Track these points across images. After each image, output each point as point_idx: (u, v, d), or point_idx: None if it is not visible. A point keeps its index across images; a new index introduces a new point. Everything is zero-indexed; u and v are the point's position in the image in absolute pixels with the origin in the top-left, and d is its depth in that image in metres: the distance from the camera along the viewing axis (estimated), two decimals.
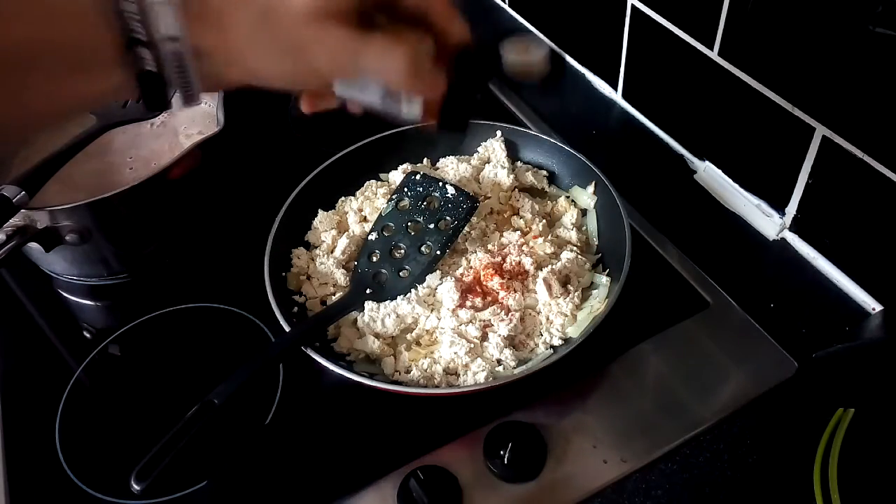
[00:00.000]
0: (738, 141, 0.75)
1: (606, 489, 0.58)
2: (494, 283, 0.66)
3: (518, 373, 0.61)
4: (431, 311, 0.66)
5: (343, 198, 0.77)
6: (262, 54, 0.40)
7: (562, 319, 0.65)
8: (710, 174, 0.80)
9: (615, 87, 0.90)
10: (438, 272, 0.68)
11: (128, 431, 0.65)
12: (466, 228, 0.70)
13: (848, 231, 0.67)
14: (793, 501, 0.55)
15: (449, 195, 0.70)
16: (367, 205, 0.75)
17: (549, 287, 0.65)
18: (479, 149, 0.80)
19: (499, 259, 0.68)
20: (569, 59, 0.97)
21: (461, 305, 0.65)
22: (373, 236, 0.71)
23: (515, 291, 0.66)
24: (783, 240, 0.74)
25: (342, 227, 0.75)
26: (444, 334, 0.63)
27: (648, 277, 0.69)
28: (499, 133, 0.79)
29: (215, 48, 0.39)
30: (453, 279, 0.66)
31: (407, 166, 0.78)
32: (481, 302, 0.65)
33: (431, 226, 0.69)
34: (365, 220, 0.75)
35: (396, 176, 0.77)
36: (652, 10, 0.77)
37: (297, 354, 0.61)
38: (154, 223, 0.78)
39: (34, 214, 0.68)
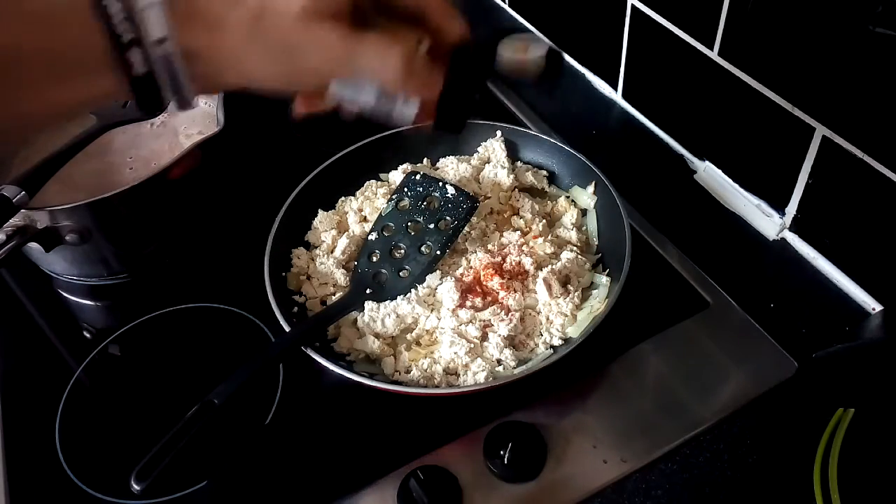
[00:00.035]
0: (738, 141, 0.75)
1: (606, 489, 0.58)
2: (494, 283, 0.66)
3: (518, 373, 0.61)
4: (431, 311, 0.66)
5: (343, 198, 0.77)
6: (256, 56, 0.40)
7: (562, 319, 0.65)
8: (710, 174, 0.80)
9: (615, 87, 0.90)
10: (438, 272, 0.68)
11: (128, 431, 0.65)
12: (466, 228, 0.70)
13: (848, 231, 0.67)
14: (793, 501, 0.55)
15: (449, 195, 0.70)
16: (367, 205, 0.75)
17: (549, 287, 0.65)
18: (479, 149, 0.80)
19: (499, 259, 0.68)
20: (569, 59, 0.97)
21: (461, 305, 0.65)
22: (373, 236, 0.71)
23: (515, 291, 0.66)
24: (783, 240, 0.74)
25: (342, 227, 0.75)
26: (444, 334, 0.63)
27: (648, 277, 0.69)
28: (499, 133, 0.79)
29: (208, 50, 0.39)
30: (453, 279, 0.66)
31: (407, 166, 0.78)
32: (481, 302, 0.65)
33: (431, 226, 0.69)
34: (365, 220, 0.75)
35: (396, 176, 0.77)
36: (652, 10, 0.77)
37: (297, 354, 0.61)
38: (154, 223, 0.78)
39: (34, 214, 0.68)
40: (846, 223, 0.67)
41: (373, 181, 0.78)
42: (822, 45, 0.60)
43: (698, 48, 0.73)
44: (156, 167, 0.75)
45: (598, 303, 0.65)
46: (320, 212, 0.75)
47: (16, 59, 0.36)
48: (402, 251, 0.69)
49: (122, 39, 0.37)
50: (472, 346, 0.62)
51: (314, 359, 0.60)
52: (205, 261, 0.80)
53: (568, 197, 0.76)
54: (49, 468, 0.63)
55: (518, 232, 0.71)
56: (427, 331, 0.65)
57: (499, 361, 0.63)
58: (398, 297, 0.66)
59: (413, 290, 0.67)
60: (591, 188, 0.74)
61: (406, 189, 0.72)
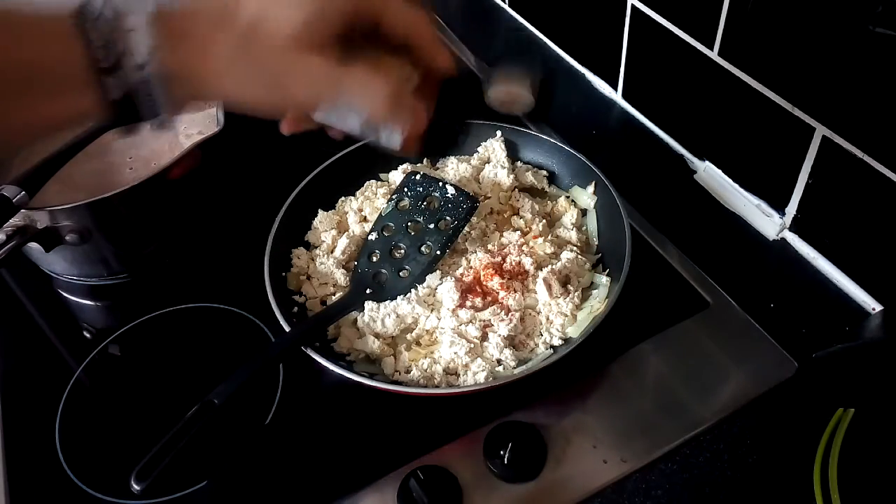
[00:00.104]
0: (738, 141, 0.75)
1: (606, 489, 0.58)
2: (494, 283, 0.66)
3: (518, 373, 0.61)
4: (431, 311, 0.66)
5: (343, 198, 0.77)
6: (241, 80, 0.40)
7: (562, 319, 0.65)
8: (710, 174, 0.80)
9: (615, 87, 0.90)
10: (438, 272, 0.68)
11: (128, 431, 0.65)
12: (466, 228, 0.70)
13: (848, 231, 0.67)
14: (793, 501, 0.55)
15: (449, 195, 0.70)
16: (367, 205, 0.76)
17: (549, 287, 0.65)
18: (479, 149, 0.80)
19: (499, 259, 0.68)
20: (569, 59, 0.97)
21: (461, 305, 0.65)
22: (373, 236, 0.71)
23: (515, 291, 0.66)
24: (783, 240, 0.74)
25: (342, 227, 0.75)
26: (444, 334, 0.63)
27: (648, 277, 0.69)
28: (499, 133, 0.79)
29: (193, 70, 0.39)
30: (453, 279, 0.66)
31: (407, 166, 0.78)
32: (481, 302, 0.65)
33: (431, 226, 0.69)
34: (365, 220, 0.75)
35: (396, 176, 0.77)
36: (652, 10, 0.77)
37: (297, 354, 0.61)
38: (154, 223, 0.78)
39: (34, 214, 0.68)
40: (846, 223, 0.67)
41: (373, 181, 0.78)
42: (822, 45, 0.60)
43: (698, 48, 0.73)
44: (156, 167, 0.75)
45: (598, 303, 0.65)
46: (320, 212, 0.75)
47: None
48: (402, 251, 0.69)
49: (103, 66, 0.37)
50: (472, 346, 0.62)
51: (314, 359, 0.60)
52: (205, 261, 0.80)
53: (568, 197, 0.76)
54: (49, 468, 0.63)
55: (518, 232, 0.71)
56: (427, 331, 0.65)
57: (499, 361, 0.63)
58: (398, 297, 0.66)
59: (413, 290, 0.67)
60: (591, 188, 0.74)
61: (406, 189, 0.72)
